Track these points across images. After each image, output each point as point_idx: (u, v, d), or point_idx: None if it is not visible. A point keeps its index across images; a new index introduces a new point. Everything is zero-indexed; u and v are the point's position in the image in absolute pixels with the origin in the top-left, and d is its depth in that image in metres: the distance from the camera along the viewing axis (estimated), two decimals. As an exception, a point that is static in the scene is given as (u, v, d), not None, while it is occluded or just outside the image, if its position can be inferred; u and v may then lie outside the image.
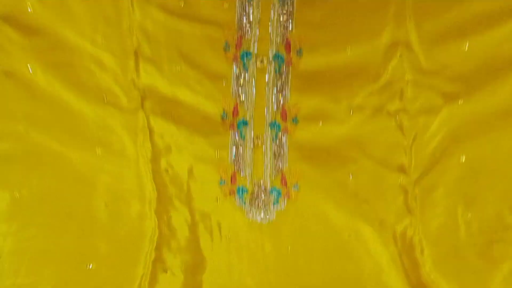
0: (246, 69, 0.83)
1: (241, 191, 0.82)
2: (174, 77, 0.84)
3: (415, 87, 0.82)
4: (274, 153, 0.83)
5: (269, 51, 0.83)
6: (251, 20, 0.83)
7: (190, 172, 0.83)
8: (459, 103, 0.81)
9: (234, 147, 0.83)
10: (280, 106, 0.84)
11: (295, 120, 0.83)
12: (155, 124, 0.83)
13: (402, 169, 0.82)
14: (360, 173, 0.83)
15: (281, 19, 0.84)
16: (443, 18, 0.82)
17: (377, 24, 0.83)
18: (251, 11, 0.83)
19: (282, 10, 0.83)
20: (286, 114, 0.83)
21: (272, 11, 0.83)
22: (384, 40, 0.82)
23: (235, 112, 0.83)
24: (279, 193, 0.82)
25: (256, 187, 0.82)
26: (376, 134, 0.83)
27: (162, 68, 0.83)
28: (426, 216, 0.82)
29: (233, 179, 0.82)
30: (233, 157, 0.83)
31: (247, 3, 0.84)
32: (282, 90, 0.84)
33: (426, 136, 0.82)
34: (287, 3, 0.83)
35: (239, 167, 0.83)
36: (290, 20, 0.83)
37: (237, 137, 0.83)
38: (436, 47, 0.82)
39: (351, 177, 0.82)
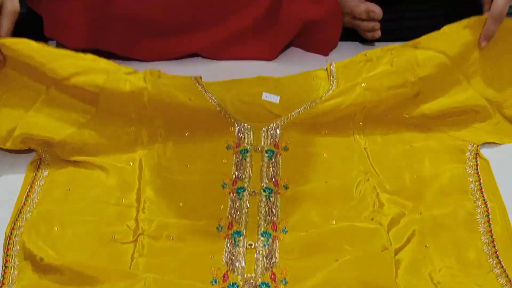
0: (240, 198, 0.97)
1: (232, 285, 0.86)
2: (177, 211, 0.96)
3: (383, 201, 0.96)
4: (265, 256, 0.89)
5: (260, 187, 0.99)
6: (246, 167, 1.02)
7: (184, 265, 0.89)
8: (417, 214, 0.94)
9: (228, 253, 0.90)
10: (271, 222, 0.94)
11: (284, 231, 0.93)
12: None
13: (383, 247, 0.89)
14: (345, 255, 0.88)
15: (270, 166, 1.02)
16: (397, 160, 1.03)
17: (347, 167, 1.02)
18: (243, 164, 1.02)
19: (270, 161, 1.03)
20: (276, 227, 0.93)
21: (261, 163, 1.03)
22: (353, 175, 1.00)
23: (230, 226, 0.93)
24: (268, 286, 0.86)
25: (247, 283, 0.86)
26: (357, 229, 0.92)
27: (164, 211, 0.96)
28: (405, 278, 0.86)
29: (225, 277, 0.87)
30: (227, 260, 0.89)
31: (241, 159, 1.03)
32: (272, 211, 0.96)
33: (398, 228, 0.93)
34: (274, 157, 1.03)
35: (232, 268, 0.88)
36: (278, 168, 1.02)
37: (231, 247, 0.90)
38: (393, 177, 1.00)
39: (337, 261, 0.88)
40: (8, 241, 0.90)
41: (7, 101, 1.03)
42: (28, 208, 0.95)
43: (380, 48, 1.15)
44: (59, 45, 1.17)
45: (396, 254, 0.89)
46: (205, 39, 1.22)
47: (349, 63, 1.14)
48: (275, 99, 1.11)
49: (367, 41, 1.29)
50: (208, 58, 1.24)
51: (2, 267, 0.87)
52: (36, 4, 1.19)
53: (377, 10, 1.23)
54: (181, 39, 1.22)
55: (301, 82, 1.15)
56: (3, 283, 0.86)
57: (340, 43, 1.29)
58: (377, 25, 1.24)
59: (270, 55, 1.25)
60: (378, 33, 1.26)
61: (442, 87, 1.07)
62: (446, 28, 1.10)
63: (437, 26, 1.17)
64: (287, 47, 1.28)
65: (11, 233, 0.91)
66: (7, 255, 0.88)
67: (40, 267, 0.86)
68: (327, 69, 1.15)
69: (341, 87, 1.08)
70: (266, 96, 1.11)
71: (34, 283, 0.85)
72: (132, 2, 1.15)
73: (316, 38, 1.26)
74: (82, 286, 0.84)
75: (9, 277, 0.86)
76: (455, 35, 1.09)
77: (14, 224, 0.93)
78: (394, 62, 1.07)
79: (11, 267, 0.87)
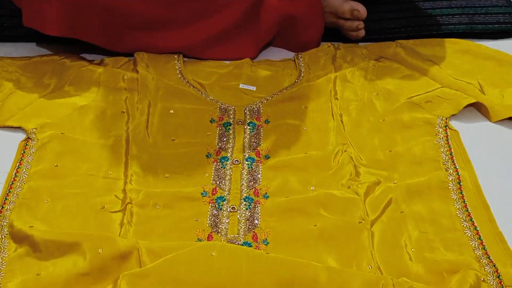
0: (224, 167, 1.01)
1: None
2: (163, 181, 0.99)
3: (359, 170, 1.00)
4: (248, 218, 0.93)
5: (242, 156, 1.03)
6: (229, 139, 1.06)
7: (170, 229, 0.92)
8: (392, 183, 0.98)
9: (212, 216, 0.93)
10: (252, 188, 0.98)
11: (265, 196, 0.96)
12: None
13: (360, 217, 0.92)
14: (323, 222, 0.92)
15: (252, 140, 1.06)
16: (370, 136, 1.08)
17: (326, 139, 1.07)
18: (227, 135, 1.07)
19: (252, 134, 1.07)
20: (258, 192, 0.97)
21: (244, 134, 1.07)
22: (332, 146, 1.05)
23: (214, 191, 0.97)
24: (250, 246, 0.88)
25: (230, 242, 0.89)
26: (335, 196, 0.96)
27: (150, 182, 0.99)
28: (381, 249, 0.89)
29: (209, 237, 0.90)
30: (211, 223, 0.92)
31: (225, 131, 1.07)
32: (254, 178, 0.99)
33: (374, 196, 0.96)
34: (256, 129, 1.08)
35: (216, 229, 0.91)
36: (259, 139, 1.07)
37: (215, 210, 0.94)
38: (368, 152, 1.04)
39: (316, 226, 0.91)
40: None
41: (23, 87, 1.16)
42: (18, 184, 0.98)
43: (343, 44, 1.26)
44: (38, 33, 1.20)
45: (372, 225, 0.93)
46: (186, 37, 1.23)
47: (314, 53, 1.25)
48: (252, 88, 1.19)
49: (350, 41, 1.29)
50: (190, 57, 1.26)
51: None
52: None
53: (361, 9, 1.22)
54: (162, 35, 1.22)
55: (272, 72, 1.22)
56: None
57: (322, 43, 1.29)
58: (361, 24, 1.24)
59: (252, 53, 1.26)
60: (362, 32, 1.25)
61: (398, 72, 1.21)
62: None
63: (418, 26, 1.28)
64: (266, 46, 1.30)
65: None
66: None
67: (30, 244, 0.88)
68: (294, 59, 1.25)
69: (312, 74, 1.19)
70: (243, 86, 1.19)
71: (24, 261, 0.87)
72: None
73: (298, 37, 1.27)
74: (71, 253, 0.86)
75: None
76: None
77: (5, 200, 0.95)
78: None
79: (1, 247, 0.89)
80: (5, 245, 0.89)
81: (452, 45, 1.26)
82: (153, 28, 1.21)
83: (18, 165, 1.01)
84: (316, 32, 1.27)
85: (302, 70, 1.21)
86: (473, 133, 1.11)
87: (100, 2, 1.14)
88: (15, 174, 0.99)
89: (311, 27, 1.26)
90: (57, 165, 1.01)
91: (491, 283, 0.84)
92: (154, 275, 0.81)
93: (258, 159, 1.03)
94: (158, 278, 0.80)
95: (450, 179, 0.99)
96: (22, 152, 1.03)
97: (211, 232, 0.92)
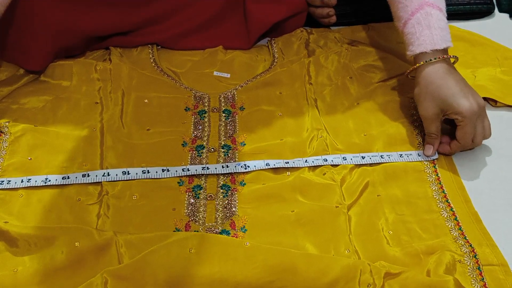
0: (200, 155, 1.01)
1: None
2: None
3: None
4: (225, 206, 0.93)
5: (218, 144, 1.03)
6: (204, 127, 1.06)
7: (147, 219, 0.91)
8: (368, 166, 0.99)
9: (189, 205, 0.93)
10: (229, 176, 0.98)
11: (242, 183, 0.96)
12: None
13: (337, 201, 0.93)
14: (300, 207, 0.92)
15: (227, 127, 1.06)
16: (345, 120, 1.08)
17: (301, 124, 1.07)
18: (202, 123, 1.06)
19: (227, 121, 1.07)
20: (234, 180, 0.97)
21: (219, 122, 1.07)
22: (307, 132, 1.05)
23: (191, 180, 0.97)
24: (228, 233, 0.89)
25: (208, 231, 0.89)
26: (311, 182, 0.96)
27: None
28: (358, 232, 0.90)
29: (187, 226, 0.90)
30: (189, 212, 0.92)
31: (200, 119, 1.07)
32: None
33: (351, 181, 0.97)
34: (231, 116, 1.07)
35: (194, 218, 0.91)
36: (235, 126, 1.06)
37: (192, 199, 0.94)
38: (343, 136, 1.05)
39: (293, 211, 0.92)
40: None
41: None
42: None
43: (315, 29, 1.26)
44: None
45: (349, 209, 0.93)
46: (162, 31, 1.22)
47: (287, 38, 1.25)
48: (226, 75, 1.18)
49: (323, 27, 1.29)
50: (165, 47, 1.25)
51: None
52: None
53: None
54: (139, 33, 1.21)
55: (246, 58, 1.22)
56: None
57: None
58: (331, 11, 1.25)
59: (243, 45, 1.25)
60: (333, 19, 1.26)
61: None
62: None
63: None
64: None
65: None
66: None
67: (6, 240, 0.87)
68: (267, 45, 1.24)
69: (285, 59, 1.19)
70: (218, 73, 1.19)
71: (0, 257, 0.86)
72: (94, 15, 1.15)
73: (277, 30, 1.27)
74: (48, 248, 0.86)
75: None
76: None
77: None
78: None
79: None
80: None
81: None
82: (132, 30, 1.21)
83: None
84: (297, 26, 1.27)
85: (276, 55, 1.21)
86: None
87: (84, 29, 1.15)
88: None
89: (292, 24, 1.26)
90: (31, 158, 1.00)
91: (468, 263, 0.86)
92: (134, 279, 0.81)
93: (234, 146, 1.03)
94: (138, 283, 0.81)
95: (425, 162, 1.01)
96: None
97: (188, 221, 0.91)
